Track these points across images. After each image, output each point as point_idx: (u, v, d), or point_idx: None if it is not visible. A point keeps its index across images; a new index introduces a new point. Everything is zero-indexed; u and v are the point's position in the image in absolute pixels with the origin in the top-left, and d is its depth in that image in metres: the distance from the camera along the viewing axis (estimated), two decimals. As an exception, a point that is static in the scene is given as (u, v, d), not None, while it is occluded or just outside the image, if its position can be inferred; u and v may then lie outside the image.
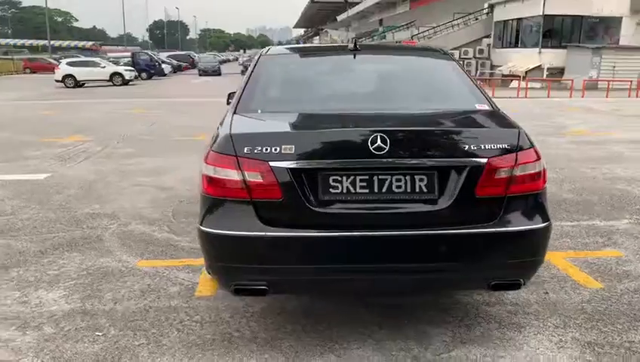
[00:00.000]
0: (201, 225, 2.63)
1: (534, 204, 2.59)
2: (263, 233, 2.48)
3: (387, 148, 2.45)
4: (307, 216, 2.49)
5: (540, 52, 31.05)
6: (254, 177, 2.49)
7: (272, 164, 2.47)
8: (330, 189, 2.49)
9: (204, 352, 2.68)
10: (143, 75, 33.08)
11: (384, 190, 2.50)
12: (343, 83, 3.33)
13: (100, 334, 2.85)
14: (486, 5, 37.44)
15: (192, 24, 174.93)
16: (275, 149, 2.48)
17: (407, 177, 2.50)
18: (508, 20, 34.83)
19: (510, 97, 19.62)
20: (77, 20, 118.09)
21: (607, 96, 20.41)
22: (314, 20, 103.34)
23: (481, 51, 36.77)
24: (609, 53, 28.01)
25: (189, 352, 2.68)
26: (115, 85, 27.30)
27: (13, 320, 3.01)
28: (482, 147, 2.52)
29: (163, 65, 37.19)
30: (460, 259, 2.52)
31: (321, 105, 3.06)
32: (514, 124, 2.70)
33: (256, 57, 3.63)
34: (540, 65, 30.56)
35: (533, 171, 2.56)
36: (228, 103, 5.32)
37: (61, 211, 5.10)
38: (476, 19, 37.99)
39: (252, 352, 2.67)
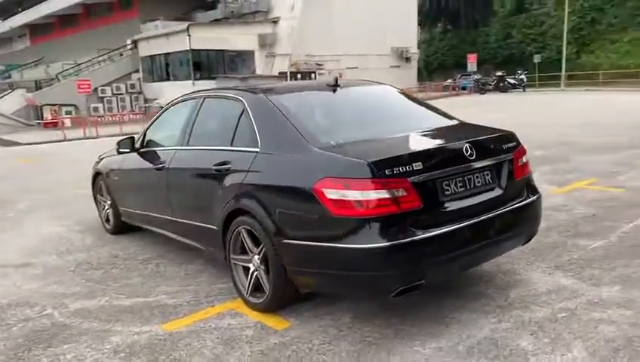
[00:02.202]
0: (353, 244, 2.96)
1: (531, 181, 3.83)
2: (420, 236, 3.01)
3: (475, 155, 3.31)
4: (437, 216, 3.14)
5: (193, 84, 33.26)
6: (400, 193, 2.99)
7: (410, 179, 3.03)
8: (445, 192, 3.20)
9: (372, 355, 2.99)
10: None
11: (471, 186, 3.34)
12: (360, 112, 3.94)
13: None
14: (129, 41, 37.89)
15: None
16: (409, 168, 3.05)
17: (481, 173, 3.40)
18: (155, 55, 36.13)
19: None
20: None
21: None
22: None
23: (132, 86, 37.14)
24: (254, 81, 32.18)
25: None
26: None
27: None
28: (507, 146, 3.62)
29: None
30: (520, 225, 3.57)
31: (369, 130, 3.62)
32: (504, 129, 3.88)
33: (253, 99, 3.85)
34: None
35: (526, 159, 3.79)
36: (118, 152, 5.01)
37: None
38: (121, 54, 38.06)
39: (406, 344, 3.11)
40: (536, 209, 3.73)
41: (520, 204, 3.57)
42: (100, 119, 24.88)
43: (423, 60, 50.53)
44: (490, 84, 33.24)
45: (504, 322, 3.30)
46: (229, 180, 3.75)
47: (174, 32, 33.83)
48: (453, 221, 3.18)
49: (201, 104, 4.40)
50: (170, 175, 4.45)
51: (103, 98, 34.56)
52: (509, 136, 3.72)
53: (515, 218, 3.55)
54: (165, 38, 34.56)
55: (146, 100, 36.30)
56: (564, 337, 3.07)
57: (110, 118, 28.71)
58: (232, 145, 3.88)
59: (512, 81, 31.22)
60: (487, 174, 3.44)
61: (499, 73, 33.45)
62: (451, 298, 3.67)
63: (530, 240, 3.79)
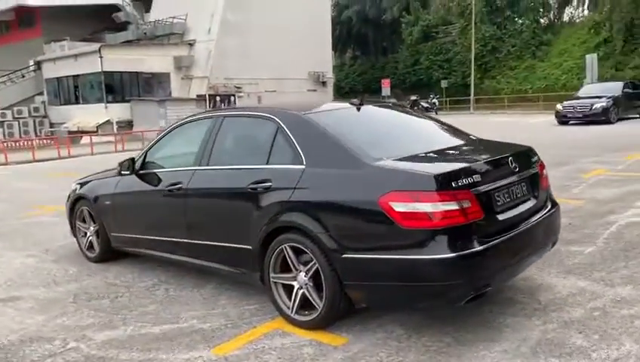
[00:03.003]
0: (426, 255, 3.06)
1: (550, 193, 4.13)
2: (487, 244, 3.17)
3: (517, 167, 3.55)
4: (494, 225, 3.32)
5: (106, 107, 31.99)
6: (466, 204, 3.15)
7: (472, 191, 3.20)
8: (497, 203, 3.40)
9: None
10: None
11: (514, 197, 3.57)
12: (391, 129, 4.06)
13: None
14: (32, 62, 35.77)
15: None
16: (470, 180, 3.22)
17: (520, 185, 3.64)
18: (62, 77, 34.36)
19: (86, 155, 20.58)
20: None
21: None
22: None
23: (36, 109, 35.05)
24: (172, 104, 31.47)
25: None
26: None
27: None
28: (534, 159, 3.90)
29: None
30: (550, 232, 3.83)
31: (410, 146, 3.76)
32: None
33: (290, 117, 3.88)
34: (109, 120, 31.47)
35: (546, 172, 4.09)
36: (120, 174, 4.79)
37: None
38: (23, 76, 35.85)
39: (470, 349, 3.24)
40: (559, 218, 4.03)
41: (549, 212, 3.85)
42: (7, 145, 23.09)
43: (335, 85, 51.90)
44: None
45: (549, 323, 3.52)
46: (269, 198, 3.72)
47: (84, 53, 32.42)
48: (506, 230, 3.38)
49: (221, 123, 4.32)
50: (190, 196, 4.31)
51: (3, 122, 32.17)
52: (533, 151, 4.01)
53: (547, 225, 3.82)
54: (74, 59, 32.99)
55: (51, 125, 34.32)
56: (610, 333, 3.34)
57: (14, 144, 26.63)
58: (268, 164, 3.86)
59: (425, 105, 32.92)
60: (524, 186, 3.69)
61: (413, 97, 35.21)
62: (487, 305, 3.83)
63: (553, 246, 4.07)
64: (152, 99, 31.48)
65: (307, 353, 3.34)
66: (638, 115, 20.98)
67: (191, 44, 35.29)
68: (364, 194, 3.29)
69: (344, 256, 3.33)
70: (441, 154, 3.68)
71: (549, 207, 3.92)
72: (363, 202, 3.28)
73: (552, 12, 41.25)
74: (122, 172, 4.88)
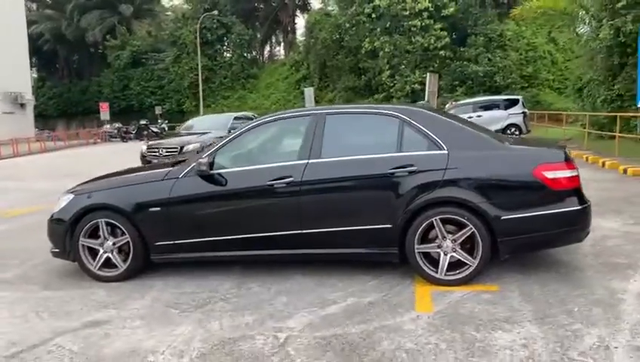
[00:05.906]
0: (571, 207, 4.29)
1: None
2: (589, 201, 4.54)
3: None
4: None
5: None
6: (578, 171, 4.48)
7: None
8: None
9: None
10: None
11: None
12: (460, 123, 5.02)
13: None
14: None
15: None
16: (570, 156, 4.58)
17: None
18: None
19: None
20: None
21: None
22: None
23: None
24: None
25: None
26: None
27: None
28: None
29: None
30: None
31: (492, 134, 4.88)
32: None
33: (414, 113, 4.61)
34: None
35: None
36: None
37: None
38: None
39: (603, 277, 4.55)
40: None
41: None
42: None
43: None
44: (131, 132, 33.71)
45: (588, 256, 5.06)
46: (415, 180, 4.34)
47: None
48: None
49: (324, 120, 4.63)
50: (307, 187, 4.46)
51: None
52: None
53: None
54: None
55: None
56: (625, 253, 5.08)
57: None
58: (402, 152, 4.45)
59: (155, 130, 32.48)
60: None
61: (142, 121, 34.42)
62: (537, 255, 5.14)
63: None
64: None
65: (488, 298, 4.12)
66: None
67: None
68: (517, 168, 4.32)
69: (503, 217, 4.25)
70: (526, 141, 4.94)
71: None
72: (518, 174, 4.31)
73: (256, 49, 45.71)
74: (205, 175, 4.58)
